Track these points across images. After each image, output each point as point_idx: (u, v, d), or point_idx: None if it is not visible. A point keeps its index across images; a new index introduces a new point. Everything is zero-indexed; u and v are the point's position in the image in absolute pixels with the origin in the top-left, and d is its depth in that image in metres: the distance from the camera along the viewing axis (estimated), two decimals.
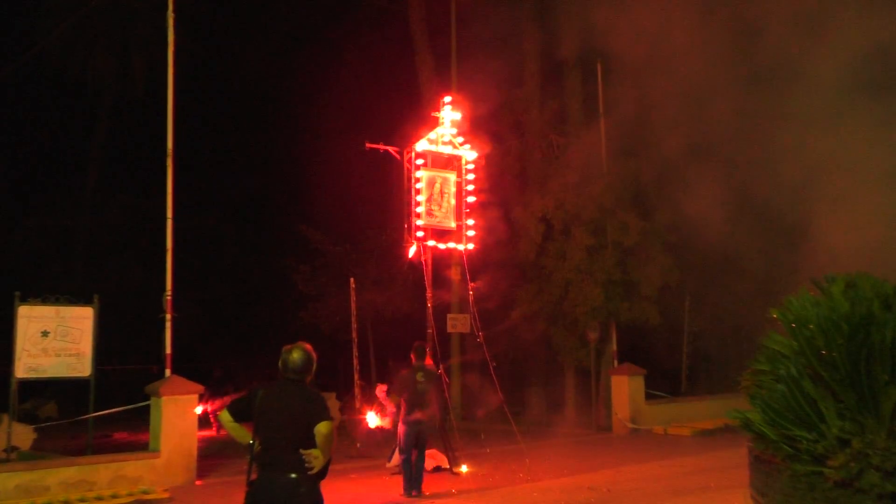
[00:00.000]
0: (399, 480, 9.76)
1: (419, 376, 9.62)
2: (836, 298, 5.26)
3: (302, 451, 4.53)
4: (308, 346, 4.90)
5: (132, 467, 10.12)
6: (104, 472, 9.85)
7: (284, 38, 25.38)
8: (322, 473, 4.65)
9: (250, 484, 4.70)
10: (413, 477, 9.57)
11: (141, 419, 11.35)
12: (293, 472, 4.56)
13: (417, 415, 9.53)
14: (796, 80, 10.39)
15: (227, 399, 16.07)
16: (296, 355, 4.81)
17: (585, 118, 18.26)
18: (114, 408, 11.63)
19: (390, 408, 11.08)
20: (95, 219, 23.79)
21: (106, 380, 12.39)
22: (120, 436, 15.33)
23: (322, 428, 4.57)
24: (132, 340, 19.43)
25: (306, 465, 4.54)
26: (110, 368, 19.06)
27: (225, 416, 4.83)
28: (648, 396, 16.27)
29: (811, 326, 5.11)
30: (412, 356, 9.89)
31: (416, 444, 9.54)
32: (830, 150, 9.86)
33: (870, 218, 9.66)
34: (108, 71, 23.85)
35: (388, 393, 10.86)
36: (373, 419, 11.97)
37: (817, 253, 9.98)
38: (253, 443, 4.69)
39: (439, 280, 17.05)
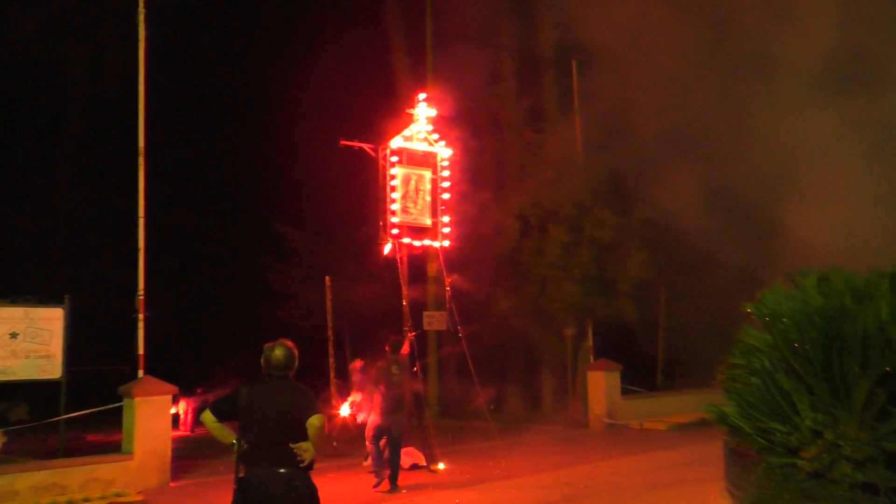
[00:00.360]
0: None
1: (394, 369, 9.79)
2: (809, 292, 5.31)
3: (292, 444, 4.57)
4: (289, 343, 4.97)
5: (105, 470, 9.97)
6: (76, 476, 9.69)
7: (259, 34, 25.17)
8: (309, 466, 4.69)
9: (239, 481, 4.67)
10: (385, 473, 9.63)
11: (115, 420, 11.18)
12: (283, 467, 4.59)
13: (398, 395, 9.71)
14: (770, 71, 10.47)
15: (201, 399, 15.90)
16: (278, 352, 4.87)
17: (562, 114, 18.28)
18: (87, 409, 11.45)
19: (368, 389, 10.91)
20: (68, 218, 23.41)
21: (78, 381, 12.17)
22: (93, 438, 15.09)
23: (315, 421, 4.64)
24: (105, 341, 19.14)
25: (297, 458, 4.58)
26: (82, 369, 18.77)
27: (207, 416, 4.80)
28: (625, 392, 16.34)
29: (785, 320, 5.16)
30: (387, 349, 10.06)
31: (385, 431, 9.63)
32: (803, 144, 9.96)
33: (843, 212, 9.77)
34: (80, 67, 23.45)
35: (364, 370, 10.99)
36: (346, 409, 11.91)
37: (793, 247, 10.08)
38: (237, 441, 4.69)
39: (419, 277, 16.98)
